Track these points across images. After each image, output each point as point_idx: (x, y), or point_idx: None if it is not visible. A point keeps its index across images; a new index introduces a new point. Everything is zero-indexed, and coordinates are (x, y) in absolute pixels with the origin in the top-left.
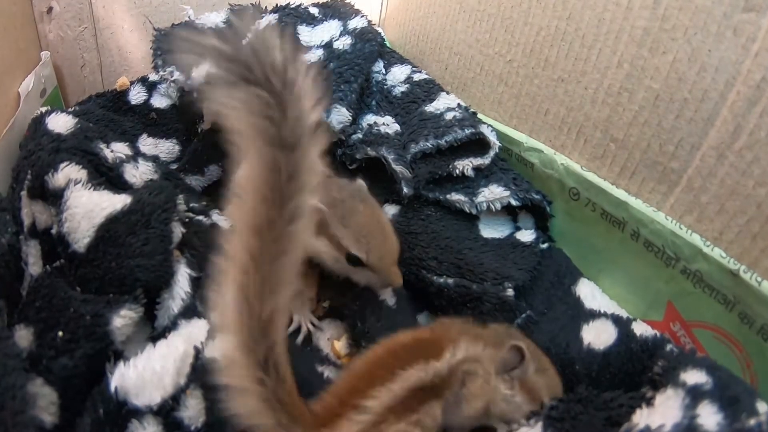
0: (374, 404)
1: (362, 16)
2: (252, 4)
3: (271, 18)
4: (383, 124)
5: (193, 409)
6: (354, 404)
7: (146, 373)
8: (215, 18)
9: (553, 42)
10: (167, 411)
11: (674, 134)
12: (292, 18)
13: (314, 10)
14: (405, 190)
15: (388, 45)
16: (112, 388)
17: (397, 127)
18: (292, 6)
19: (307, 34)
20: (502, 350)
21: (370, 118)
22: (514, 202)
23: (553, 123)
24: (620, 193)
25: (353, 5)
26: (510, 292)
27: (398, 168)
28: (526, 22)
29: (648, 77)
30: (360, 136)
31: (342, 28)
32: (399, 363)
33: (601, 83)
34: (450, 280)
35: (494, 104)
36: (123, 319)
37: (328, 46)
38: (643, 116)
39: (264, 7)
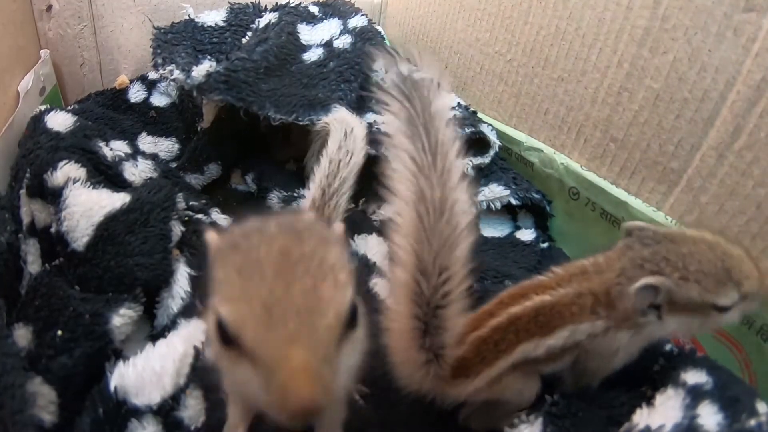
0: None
1: (362, 15)
2: (252, 2)
3: (271, 16)
4: (383, 123)
5: (192, 409)
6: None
7: (146, 373)
8: (215, 16)
9: (553, 41)
10: (167, 411)
11: (674, 134)
12: (291, 17)
13: (314, 9)
14: None
15: (388, 44)
16: (112, 388)
17: None
18: (292, 4)
19: (307, 33)
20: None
21: (369, 118)
22: (514, 202)
23: (553, 122)
24: (620, 193)
25: (353, 4)
26: None
27: None
28: (526, 22)
29: (648, 77)
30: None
31: (342, 27)
32: (517, 337)
33: (601, 83)
34: None
35: (494, 103)
36: (122, 318)
37: (328, 44)
38: (643, 116)
39: (264, 6)
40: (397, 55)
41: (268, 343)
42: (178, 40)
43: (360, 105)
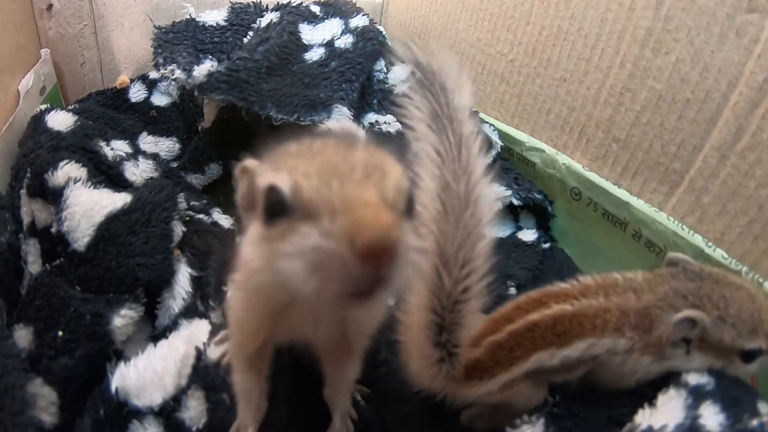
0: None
1: (363, 15)
2: (253, 2)
3: (272, 16)
4: (384, 122)
5: (194, 410)
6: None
7: (147, 374)
8: (216, 16)
9: (555, 42)
10: (168, 412)
11: (676, 135)
12: (293, 16)
13: (315, 9)
14: None
15: (389, 44)
16: (113, 389)
17: (398, 125)
18: (294, 4)
19: (308, 33)
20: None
21: (371, 117)
22: (516, 202)
23: (555, 123)
24: (622, 194)
25: (355, 3)
26: (513, 290)
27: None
28: (528, 22)
29: (650, 77)
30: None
31: (343, 27)
32: (533, 345)
33: (603, 83)
34: None
35: (496, 104)
36: (123, 319)
37: (329, 44)
38: (645, 116)
39: (265, 5)
40: (414, 46)
41: (334, 190)
42: (179, 39)
43: (361, 105)
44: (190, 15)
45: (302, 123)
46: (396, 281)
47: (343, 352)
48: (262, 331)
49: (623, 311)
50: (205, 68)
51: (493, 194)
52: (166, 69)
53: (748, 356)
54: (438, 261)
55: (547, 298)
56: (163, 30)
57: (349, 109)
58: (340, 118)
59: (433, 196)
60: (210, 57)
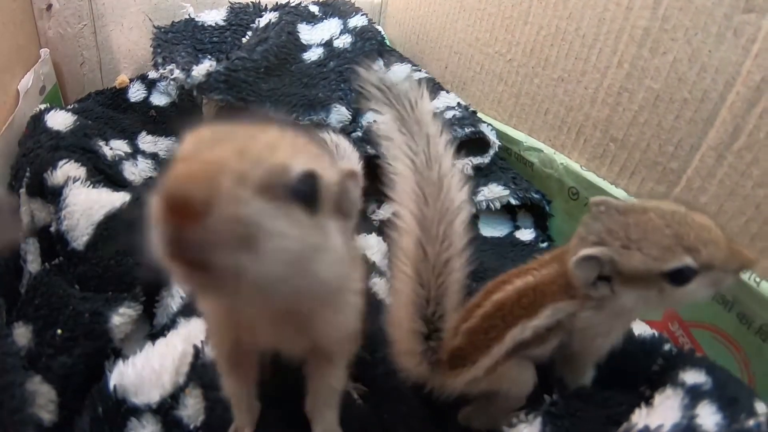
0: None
1: (362, 15)
2: (252, 2)
3: (271, 16)
4: (383, 123)
5: (192, 408)
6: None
7: (145, 372)
8: (215, 16)
9: (553, 41)
10: (166, 410)
11: (674, 134)
12: (292, 16)
13: (314, 9)
14: None
15: (388, 43)
16: (111, 387)
17: None
18: (292, 4)
19: (307, 33)
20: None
21: (369, 117)
22: (513, 201)
23: (552, 122)
24: (619, 193)
25: (353, 3)
26: None
27: None
28: (526, 22)
29: (648, 77)
30: (360, 134)
31: (342, 27)
32: (504, 323)
33: (601, 83)
34: None
35: (494, 103)
36: (122, 317)
37: (328, 44)
38: (642, 116)
39: (264, 5)
40: (373, 64)
41: (191, 153)
42: (179, 39)
43: (360, 104)
44: (189, 15)
45: (301, 122)
46: (221, 255)
47: (322, 360)
48: (227, 337)
49: (564, 274)
50: (203, 68)
51: (462, 182)
52: (165, 69)
53: (676, 277)
54: (422, 236)
55: (509, 276)
56: (162, 30)
57: (347, 108)
58: (338, 118)
59: (411, 182)
60: (209, 57)
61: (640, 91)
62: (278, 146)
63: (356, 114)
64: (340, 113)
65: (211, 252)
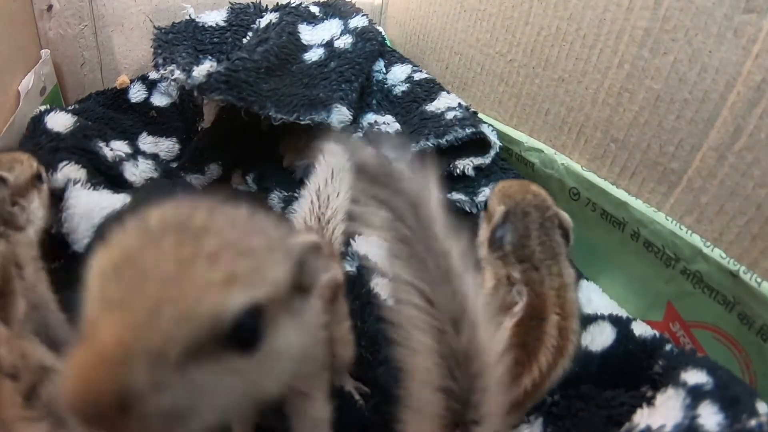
0: None
1: (363, 15)
2: (252, 2)
3: (271, 17)
4: (384, 123)
5: None
6: None
7: None
8: (216, 17)
9: (554, 42)
10: None
11: (674, 135)
12: (292, 17)
13: (315, 9)
14: None
15: (388, 44)
16: None
17: (397, 126)
18: (293, 4)
19: (307, 33)
20: None
21: (370, 117)
22: None
23: (553, 123)
24: (620, 194)
25: (354, 4)
26: None
27: None
28: (527, 22)
29: (649, 78)
30: (360, 135)
31: (343, 27)
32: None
33: (601, 83)
34: None
35: (495, 104)
36: None
37: (328, 45)
38: (643, 117)
39: (265, 6)
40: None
41: (94, 302)
42: (179, 40)
43: (360, 105)
44: (189, 15)
45: (302, 122)
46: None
47: (298, 397)
48: None
49: None
50: (204, 68)
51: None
52: (165, 69)
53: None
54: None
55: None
56: (162, 30)
57: (348, 109)
58: (339, 118)
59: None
60: (209, 57)
61: (640, 92)
62: (211, 276)
63: (357, 114)
64: (341, 113)
65: None
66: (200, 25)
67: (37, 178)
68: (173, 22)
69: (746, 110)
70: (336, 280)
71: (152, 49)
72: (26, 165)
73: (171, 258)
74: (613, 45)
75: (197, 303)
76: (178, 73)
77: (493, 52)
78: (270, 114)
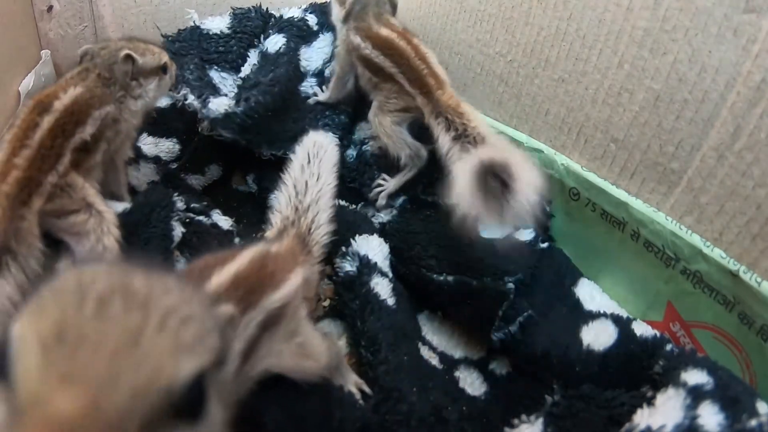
0: None
1: None
2: (253, 6)
3: (279, 40)
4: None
5: None
6: None
7: None
8: (220, 23)
9: (553, 42)
10: None
11: (674, 135)
12: (295, 41)
13: (312, 20)
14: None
15: None
16: None
17: None
18: (296, 19)
19: (305, 58)
20: None
21: (364, 126)
22: None
23: (553, 123)
24: (620, 194)
25: None
26: (510, 285)
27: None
28: (527, 23)
29: (648, 78)
30: (353, 155)
31: (335, 44)
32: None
33: (601, 84)
34: (450, 278)
35: (495, 104)
36: None
37: (320, 74)
38: (643, 117)
39: (266, 9)
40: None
41: (38, 373)
42: (186, 49)
43: (349, 128)
44: (194, 22)
45: (288, 155)
46: None
47: None
48: None
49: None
50: (222, 104)
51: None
52: (177, 93)
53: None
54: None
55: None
56: (169, 39)
57: (334, 132)
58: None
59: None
60: (216, 67)
61: (640, 92)
62: (162, 344)
63: (345, 135)
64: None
65: None
66: (205, 32)
67: (162, 69)
68: (178, 30)
69: (746, 110)
70: (309, 283)
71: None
72: (156, 56)
73: (120, 327)
74: (613, 45)
75: (153, 374)
76: (192, 99)
77: (493, 53)
78: (262, 151)
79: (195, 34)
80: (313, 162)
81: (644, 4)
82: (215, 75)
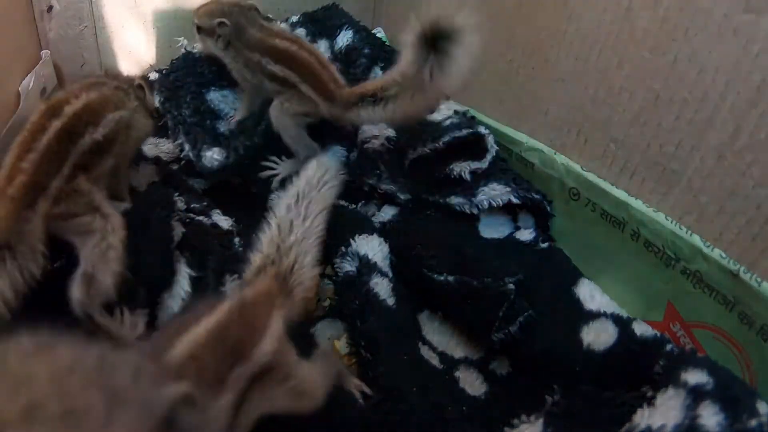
0: None
1: (348, 28)
2: None
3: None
4: (373, 137)
5: None
6: None
7: None
8: None
9: (553, 42)
10: None
11: (674, 135)
12: None
13: (301, 34)
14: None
15: (388, 43)
16: None
17: (390, 132)
18: (291, 23)
19: None
20: None
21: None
22: (514, 200)
23: (553, 123)
24: (620, 194)
25: (340, 9)
26: (511, 286)
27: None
28: (527, 22)
29: (648, 77)
30: (354, 156)
31: (330, 52)
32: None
33: (601, 83)
34: (450, 278)
35: (495, 104)
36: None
37: None
38: (643, 117)
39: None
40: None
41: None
42: (181, 79)
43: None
44: (184, 48)
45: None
46: None
47: None
48: None
49: None
50: (214, 158)
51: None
52: (175, 145)
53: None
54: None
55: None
56: (164, 72)
57: (341, 145)
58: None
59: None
60: (213, 88)
61: (640, 92)
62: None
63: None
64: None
65: None
66: (197, 56)
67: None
68: (171, 60)
69: (746, 110)
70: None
71: (157, 98)
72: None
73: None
74: (613, 45)
75: None
76: (187, 149)
77: (493, 52)
78: (255, 180)
79: (188, 60)
80: (302, 202)
81: (644, 4)
82: (215, 96)
